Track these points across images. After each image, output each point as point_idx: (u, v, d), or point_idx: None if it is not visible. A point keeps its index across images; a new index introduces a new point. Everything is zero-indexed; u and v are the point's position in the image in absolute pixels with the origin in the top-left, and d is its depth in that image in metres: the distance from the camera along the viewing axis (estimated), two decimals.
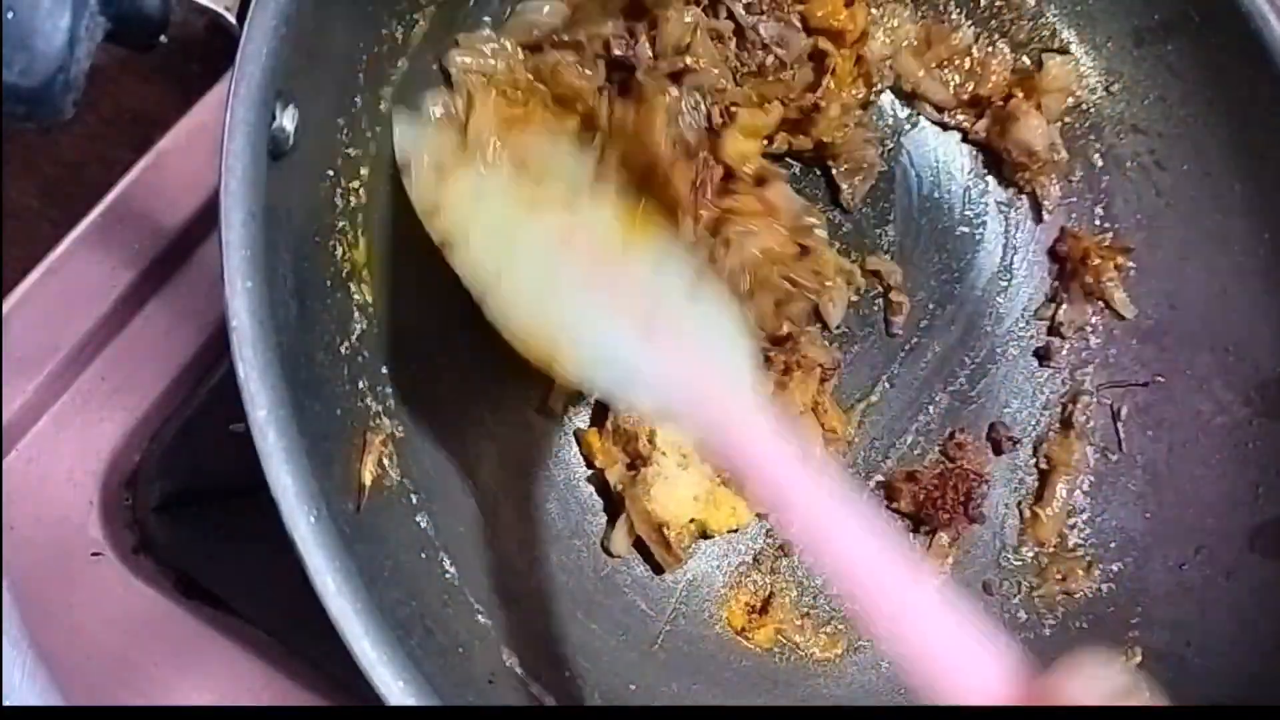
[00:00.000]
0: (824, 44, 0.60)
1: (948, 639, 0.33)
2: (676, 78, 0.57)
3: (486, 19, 0.58)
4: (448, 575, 0.51)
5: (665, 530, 0.56)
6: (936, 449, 0.64)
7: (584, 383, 0.43)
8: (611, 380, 0.42)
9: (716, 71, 0.57)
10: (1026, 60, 0.65)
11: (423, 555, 0.50)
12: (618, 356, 0.42)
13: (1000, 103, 0.65)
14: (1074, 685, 0.31)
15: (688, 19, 0.57)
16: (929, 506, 0.62)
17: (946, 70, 0.65)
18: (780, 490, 0.38)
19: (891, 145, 0.67)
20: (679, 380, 0.42)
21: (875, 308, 0.66)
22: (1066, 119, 0.65)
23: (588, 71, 0.56)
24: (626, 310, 0.43)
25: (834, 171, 0.65)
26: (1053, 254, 0.67)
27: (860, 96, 0.63)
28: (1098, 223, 0.66)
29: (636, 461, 0.57)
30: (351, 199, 0.49)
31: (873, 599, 0.35)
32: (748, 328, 0.46)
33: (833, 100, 0.61)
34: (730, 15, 0.58)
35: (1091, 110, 0.66)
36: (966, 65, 0.65)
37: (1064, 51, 0.65)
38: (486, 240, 0.45)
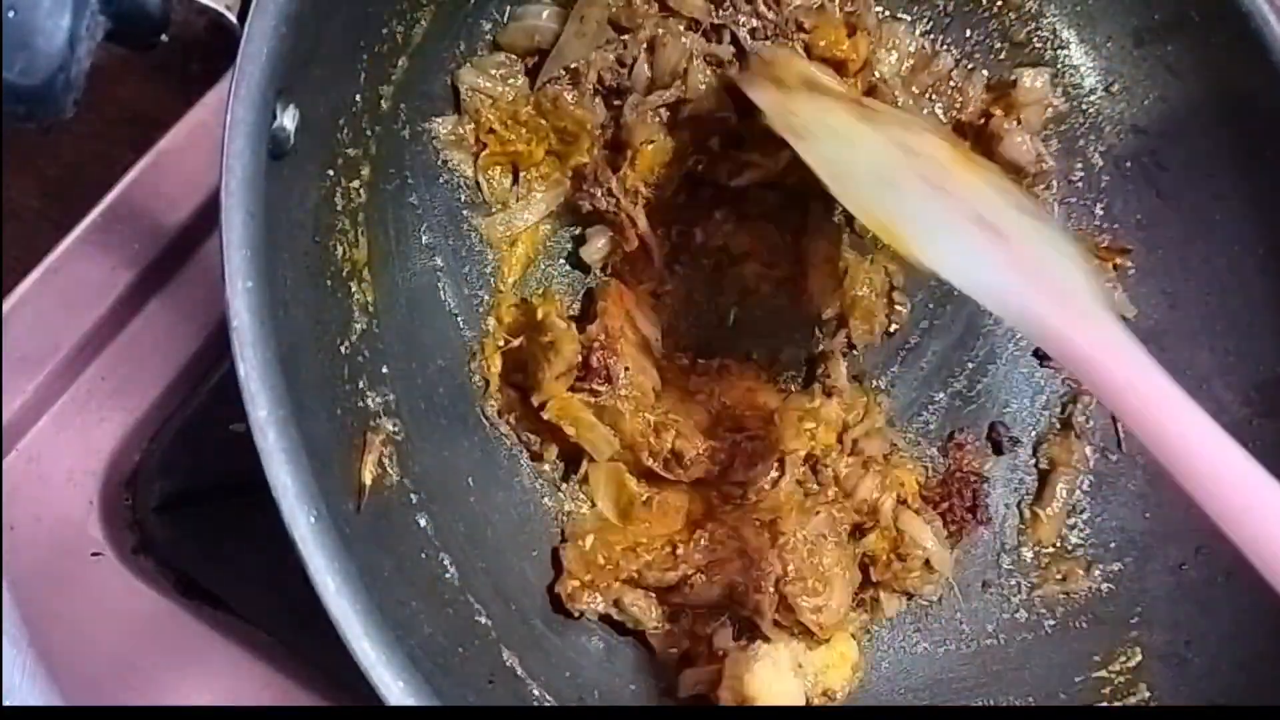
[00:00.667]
0: None
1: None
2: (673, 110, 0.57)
3: (486, 23, 0.58)
4: (448, 575, 0.51)
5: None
6: (936, 449, 0.64)
7: (932, 266, 0.44)
8: (958, 269, 0.43)
9: (711, 104, 0.58)
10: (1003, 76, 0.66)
11: (423, 555, 0.50)
12: (963, 248, 0.43)
13: (980, 122, 0.65)
14: None
15: (684, 42, 0.57)
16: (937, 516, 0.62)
17: (931, 97, 0.65)
18: (1123, 391, 0.40)
19: None
20: (1023, 276, 0.42)
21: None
22: (1060, 125, 0.66)
23: (586, 103, 0.57)
24: (968, 215, 0.44)
25: None
26: None
27: None
28: (1098, 223, 0.66)
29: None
30: (352, 199, 0.49)
31: (1213, 493, 0.39)
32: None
33: None
34: (734, 40, 0.58)
35: (1091, 110, 0.66)
36: (947, 92, 0.65)
37: (1036, 64, 0.65)
38: (833, 140, 0.48)
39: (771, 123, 0.50)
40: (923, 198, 0.45)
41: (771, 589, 0.55)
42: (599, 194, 0.58)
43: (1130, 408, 0.39)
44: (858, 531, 0.60)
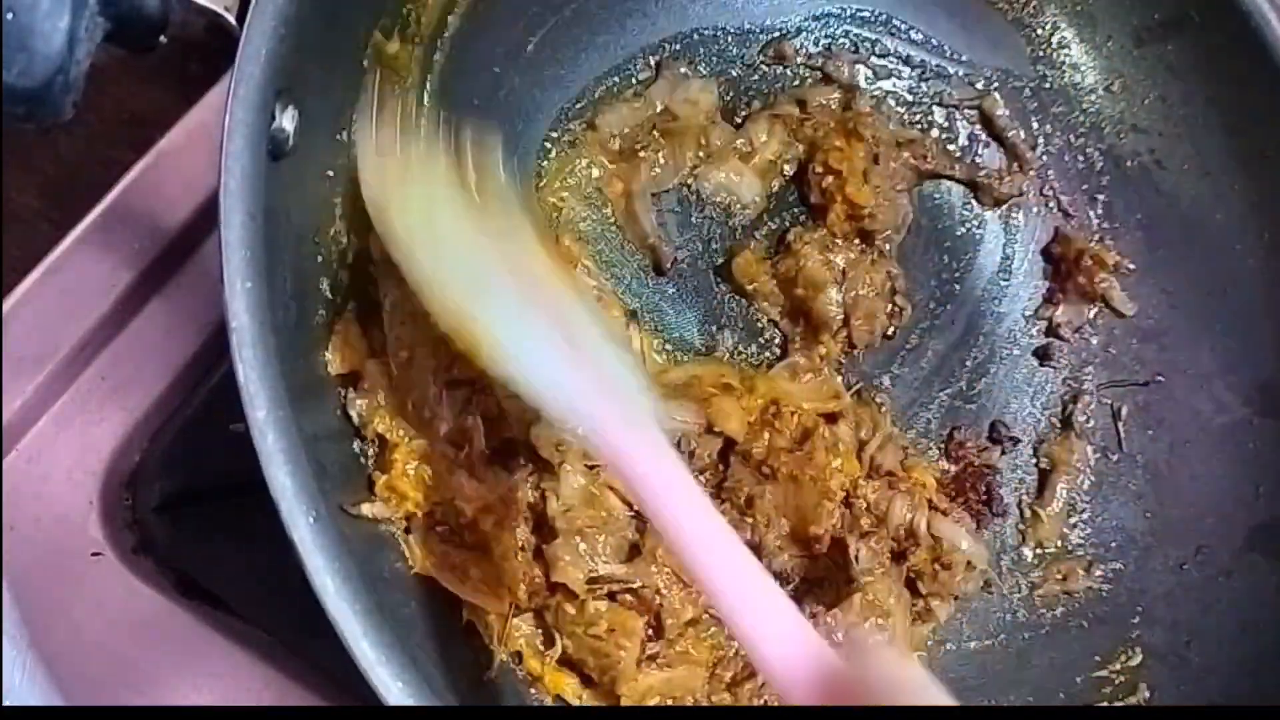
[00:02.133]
0: None
1: (780, 635, 0.38)
2: None
3: None
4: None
5: None
6: (938, 448, 0.64)
7: (500, 373, 0.44)
8: (527, 375, 0.44)
9: None
10: None
11: None
12: (536, 355, 0.44)
13: None
14: (868, 676, 0.35)
15: None
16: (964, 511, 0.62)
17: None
18: (654, 504, 0.42)
19: None
20: (589, 389, 0.44)
21: None
22: (1060, 125, 0.66)
23: None
24: (547, 321, 0.45)
25: None
26: (1048, 255, 0.67)
27: None
28: (1098, 223, 0.66)
29: None
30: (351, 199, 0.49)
31: (732, 606, 0.39)
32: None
33: None
34: None
35: (1091, 110, 0.66)
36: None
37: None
38: (420, 228, 0.46)
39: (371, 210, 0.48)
40: (506, 300, 0.46)
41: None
42: None
43: (652, 507, 0.42)
44: (897, 556, 0.59)
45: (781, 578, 0.58)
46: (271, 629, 0.59)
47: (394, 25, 0.51)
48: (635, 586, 0.53)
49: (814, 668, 0.37)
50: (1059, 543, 0.63)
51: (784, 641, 0.38)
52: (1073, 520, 0.64)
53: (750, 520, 0.57)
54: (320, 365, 0.47)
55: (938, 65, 0.67)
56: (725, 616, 0.40)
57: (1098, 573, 0.62)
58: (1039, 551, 0.63)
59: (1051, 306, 0.66)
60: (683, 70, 0.64)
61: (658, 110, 0.63)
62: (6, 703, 0.42)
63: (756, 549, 0.57)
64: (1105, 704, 0.58)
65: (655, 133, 0.63)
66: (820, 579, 0.58)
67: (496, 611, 0.51)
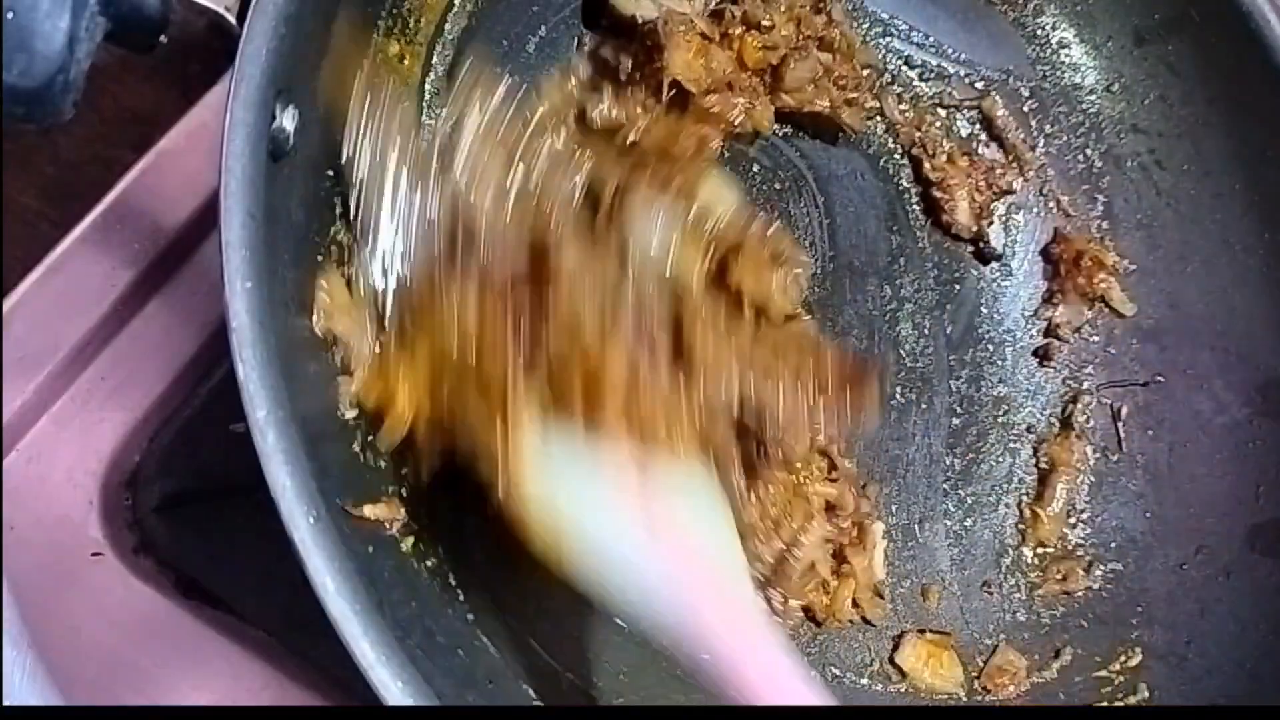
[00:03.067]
0: None
1: None
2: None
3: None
4: (448, 574, 0.51)
5: None
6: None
7: (586, 586, 0.43)
8: (614, 583, 0.42)
9: None
10: None
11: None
12: (622, 555, 0.42)
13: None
14: None
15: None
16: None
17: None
18: (767, 698, 0.39)
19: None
20: (679, 583, 0.42)
21: None
22: (1060, 125, 0.66)
23: None
24: (628, 503, 0.43)
25: None
26: (1048, 255, 0.67)
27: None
28: (1098, 223, 0.66)
29: None
30: (352, 199, 0.49)
31: None
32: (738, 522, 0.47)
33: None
34: None
35: (1091, 110, 0.66)
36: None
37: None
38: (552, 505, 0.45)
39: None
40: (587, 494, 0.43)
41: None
42: None
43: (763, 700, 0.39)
44: None
45: None
46: (271, 629, 0.59)
47: (395, 26, 0.51)
48: None
49: None
50: (1059, 543, 0.63)
51: None
52: (1073, 520, 0.64)
53: None
54: (320, 365, 0.47)
55: (938, 66, 0.67)
56: None
57: (1098, 573, 0.62)
58: (1039, 551, 0.63)
59: (1051, 306, 0.66)
60: None
61: None
62: (6, 703, 0.42)
63: None
64: (1105, 704, 0.58)
65: None
66: None
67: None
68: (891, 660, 0.60)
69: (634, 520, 0.43)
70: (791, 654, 0.40)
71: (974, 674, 0.60)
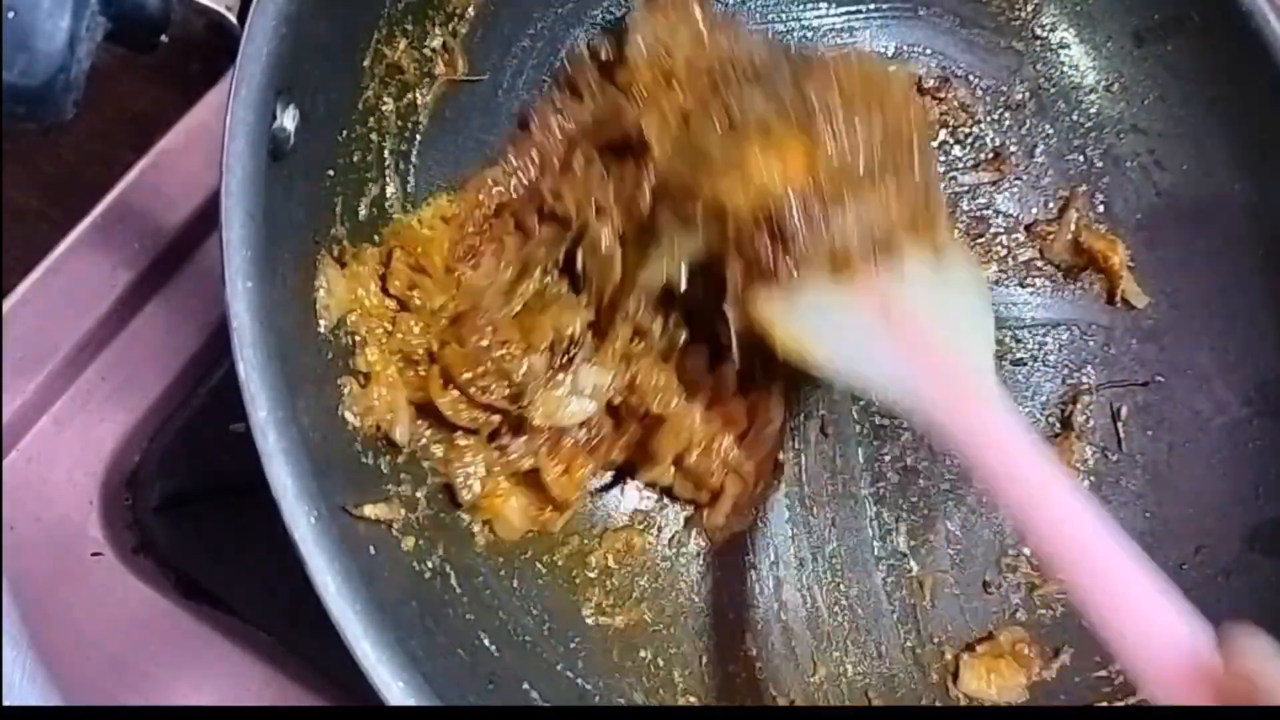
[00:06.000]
0: None
1: (1148, 623, 0.35)
2: None
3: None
4: (449, 574, 0.51)
5: None
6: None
7: (826, 372, 0.44)
8: (852, 370, 0.43)
9: None
10: None
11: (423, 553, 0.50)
12: (858, 348, 0.44)
13: None
14: (1254, 677, 0.32)
15: None
16: None
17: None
18: (1010, 484, 0.39)
19: None
20: (916, 370, 0.43)
21: None
22: (1060, 125, 0.66)
23: None
24: (865, 299, 0.44)
25: None
26: (1047, 255, 0.67)
27: None
28: (1098, 223, 0.66)
29: None
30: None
31: (1088, 587, 0.36)
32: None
33: None
34: None
35: (1091, 110, 0.66)
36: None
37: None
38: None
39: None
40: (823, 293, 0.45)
41: None
42: None
43: (1013, 499, 0.39)
44: None
45: None
46: (271, 629, 0.59)
47: (395, 26, 0.51)
48: None
49: (1191, 667, 0.34)
50: None
51: (1158, 638, 0.34)
52: None
53: None
54: (321, 364, 0.47)
55: (938, 67, 0.67)
56: (1089, 608, 0.36)
57: None
58: None
59: (1051, 303, 0.66)
60: None
61: None
62: (6, 703, 0.43)
63: None
64: (1105, 704, 0.58)
65: None
66: None
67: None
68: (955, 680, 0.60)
69: (872, 321, 0.44)
70: (1028, 432, 0.40)
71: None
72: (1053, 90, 0.66)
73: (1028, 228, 0.67)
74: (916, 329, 0.44)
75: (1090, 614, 0.36)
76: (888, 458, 0.64)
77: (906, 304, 0.45)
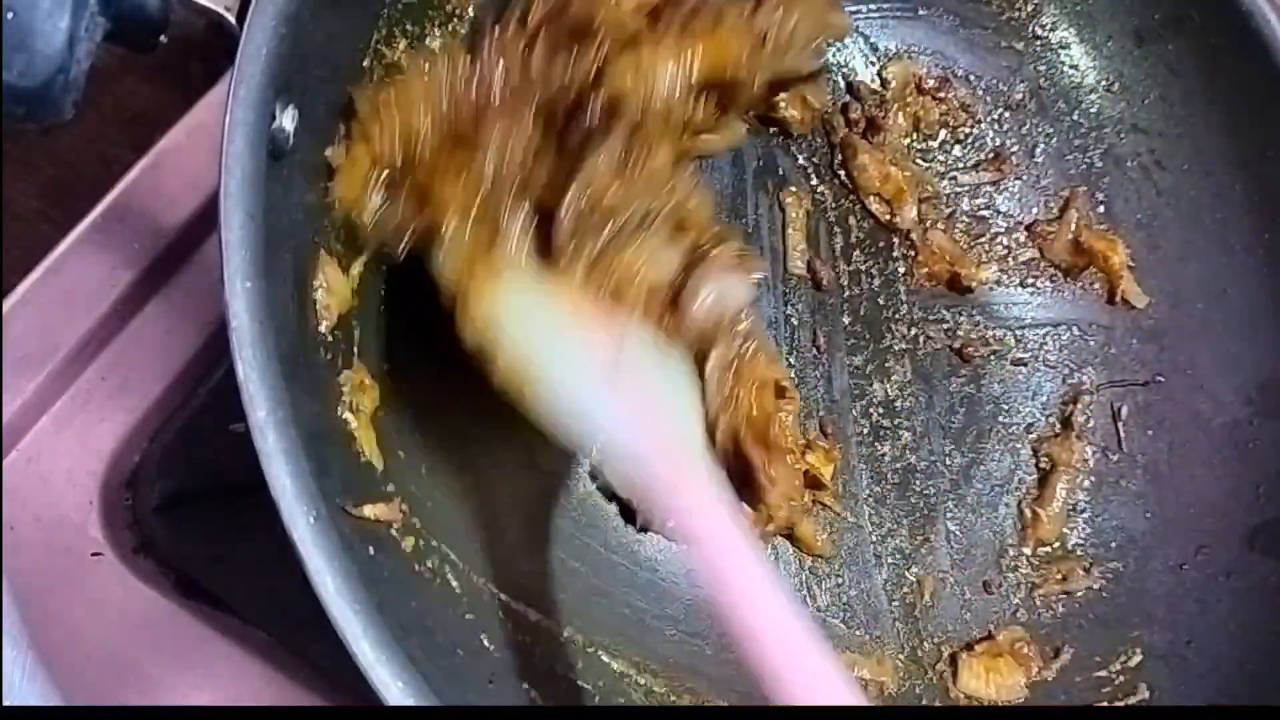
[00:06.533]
0: None
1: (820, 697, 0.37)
2: None
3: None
4: (448, 574, 0.51)
5: None
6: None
7: (545, 418, 0.44)
8: (570, 419, 0.43)
9: None
10: None
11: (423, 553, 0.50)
12: (582, 397, 0.43)
13: None
14: None
15: None
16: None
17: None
18: (712, 560, 0.40)
19: None
20: (634, 429, 0.43)
21: None
22: (1060, 125, 0.66)
23: None
24: (594, 354, 0.44)
25: None
26: (1047, 255, 0.67)
27: None
28: (1098, 223, 0.66)
29: None
30: None
31: (779, 671, 0.38)
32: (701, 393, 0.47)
33: None
34: None
35: (1091, 110, 0.66)
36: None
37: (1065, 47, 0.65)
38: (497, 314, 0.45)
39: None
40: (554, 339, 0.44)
41: None
42: None
43: (709, 565, 0.40)
44: None
45: None
46: (271, 629, 0.59)
47: (395, 27, 0.51)
48: None
49: None
50: (1059, 543, 0.63)
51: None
52: (1073, 520, 0.64)
53: None
54: (320, 364, 0.47)
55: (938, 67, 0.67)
56: (770, 677, 0.38)
57: (1097, 573, 0.62)
58: (1039, 551, 0.63)
59: (1051, 303, 0.66)
60: None
61: None
62: (6, 703, 0.43)
63: None
64: (1105, 704, 0.58)
65: None
66: None
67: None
68: (954, 680, 0.60)
69: (599, 371, 0.44)
70: (738, 519, 0.41)
71: None
72: (1053, 90, 0.66)
73: (1028, 228, 0.67)
74: (642, 390, 0.44)
75: (777, 691, 0.38)
76: (887, 458, 0.64)
77: (634, 361, 0.44)
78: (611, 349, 0.44)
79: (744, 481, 0.54)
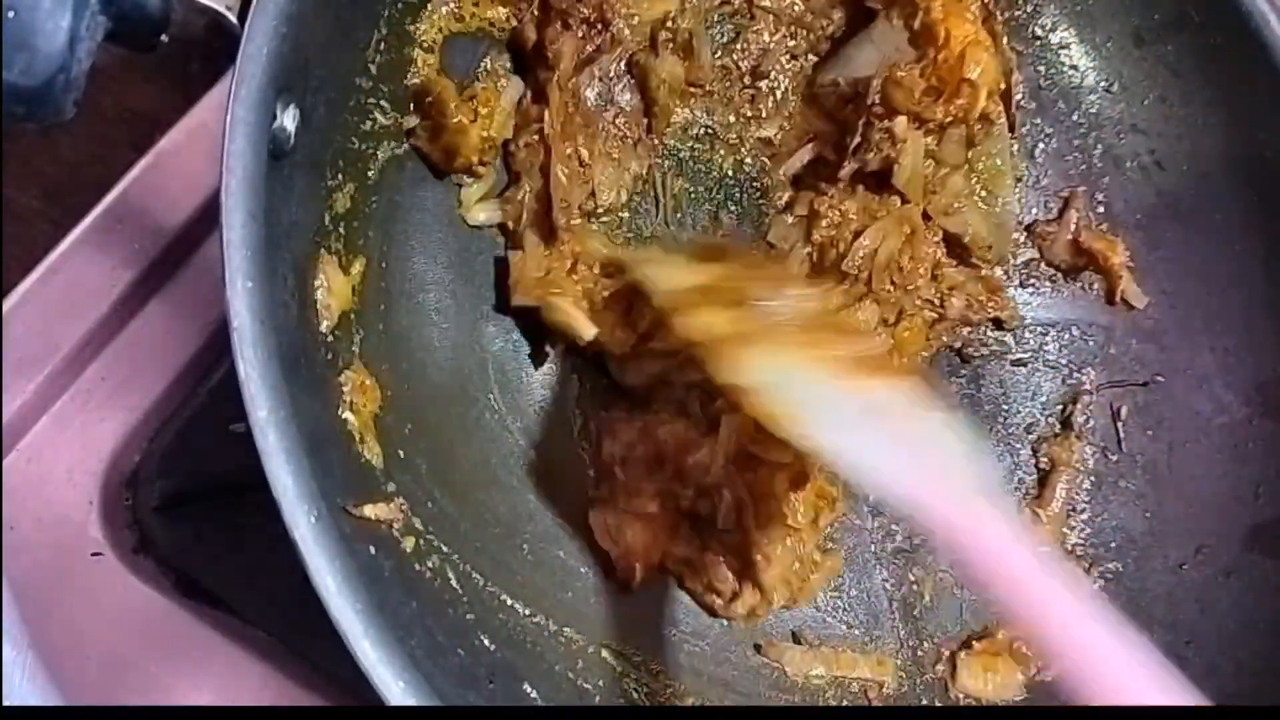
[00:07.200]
0: None
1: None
2: None
3: None
4: (448, 574, 0.51)
5: None
6: None
7: (827, 455, 0.44)
8: (851, 453, 0.43)
9: None
10: None
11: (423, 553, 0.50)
12: (852, 434, 0.44)
13: None
14: None
15: None
16: None
17: None
18: (1016, 589, 0.40)
19: None
20: (905, 458, 0.43)
21: None
22: (1060, 125, 0.66)
23: None
24: (861, 406, 0.45)
25: None
26: (1047, 255, 0.67)
27: None
28: (1097, 223, 0.66)
29: None
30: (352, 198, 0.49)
31: (1101, 688, 0.38)
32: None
33: None
34: None
35: (1091, 110, 0.66)
36: None
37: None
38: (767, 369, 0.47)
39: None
40: (825, 392, 0.46)
41: None
42: None
43: (1001, 588, 0.40)
44: None
45: None
46: (271, 629, 0.59)
47: (395, 26, 0.51)
48: None
49: None
50: (1059, 543, 0.63)
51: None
52: (1073, 520, 0.64)
53: None
54: (321, 364, 0.47)
55: None
56: (1083, 687, 0.38)
57: (1097, 573, 0.62)
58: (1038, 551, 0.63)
59: (1051, 303, 0.66)
60: None
61: None
62: (6, 703, 0.43)
63: None
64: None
65: None
66: None
67: None
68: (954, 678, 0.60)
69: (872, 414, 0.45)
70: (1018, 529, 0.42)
71: None
72: (1053, 90, 0.66)
73: (1028, 228, 0.67)
74: (910, 434, 0.45)
75: (1091, 697, 0.38)
76: None
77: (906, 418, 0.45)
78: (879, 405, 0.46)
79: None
